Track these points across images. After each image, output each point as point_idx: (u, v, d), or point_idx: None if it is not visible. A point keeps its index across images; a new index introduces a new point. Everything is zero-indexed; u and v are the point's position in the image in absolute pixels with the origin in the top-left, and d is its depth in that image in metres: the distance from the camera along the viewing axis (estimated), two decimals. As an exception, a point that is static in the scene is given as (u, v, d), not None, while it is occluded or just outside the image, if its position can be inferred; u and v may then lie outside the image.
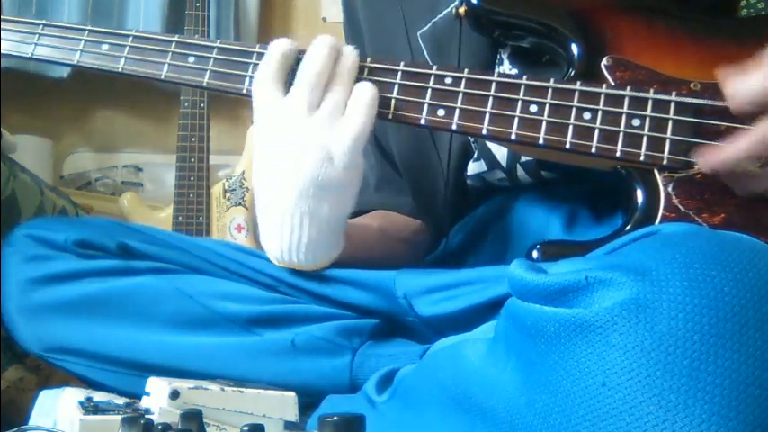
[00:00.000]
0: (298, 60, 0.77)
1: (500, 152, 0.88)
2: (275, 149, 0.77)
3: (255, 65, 0.79)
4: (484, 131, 0.74)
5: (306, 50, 0.77)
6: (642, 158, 0.70)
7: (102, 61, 0.82)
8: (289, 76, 0.77)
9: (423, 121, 0.76)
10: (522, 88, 0.74)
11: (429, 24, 0.92)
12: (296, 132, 0.75)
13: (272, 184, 0.78)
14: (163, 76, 0.81)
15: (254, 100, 0.77)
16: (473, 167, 0.91)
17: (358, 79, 0.77)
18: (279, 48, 0.77)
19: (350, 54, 0.77)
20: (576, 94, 0.72)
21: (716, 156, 0.66)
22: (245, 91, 0.79)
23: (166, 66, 0.81)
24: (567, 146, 0.72)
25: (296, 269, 0.85)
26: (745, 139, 0.64)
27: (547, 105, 0.73)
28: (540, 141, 0.73)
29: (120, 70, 0.82)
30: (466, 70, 0.76)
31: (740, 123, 0.68)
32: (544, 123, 0.72)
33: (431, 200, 0.95)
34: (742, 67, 0.67)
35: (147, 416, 0.60)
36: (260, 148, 0.79)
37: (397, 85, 0.76)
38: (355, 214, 0.90)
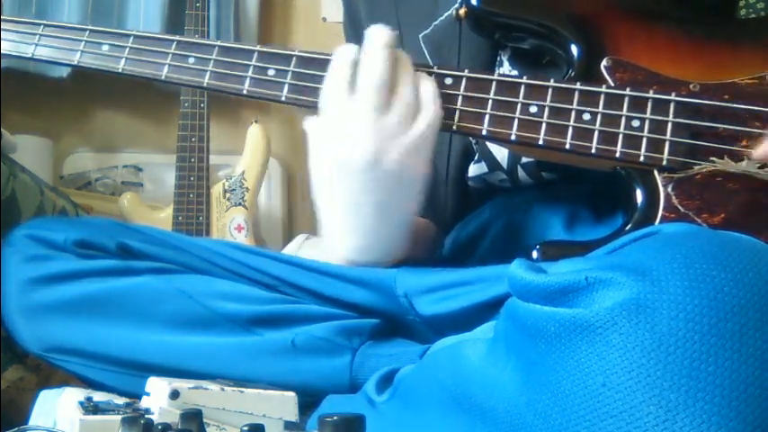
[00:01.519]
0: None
1: (501, 153, 0.88)
2: (349, 153, 0.77)
3: (256, 65, 0.79)
4: (484, 132, 0.74)
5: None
6: (642, 159, 0.70)
7: (103, 61, 0.82)
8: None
9: (423, 122, 0.76)
10: (522, 89, 0.74)
11: (430, 27, 0.92)
12: (372, 135, 0.75)
13: (346, 187, 0.78)
14: (163, 77, 0.81)
15: (322, 107, 0.78)
16: (474, 169, 0.91)
17: None
18: (347, 56, 0.77)
19: (402, 53, 0.77)
20: (576, 94, 0.72)
21: None
22: (245, 91, 0.79)
23: (167, 66, 0.81)
24: (567, 146, 0.72)
25: (298, 266, 0.85)
26: None
27: (546, 106, 0.73)
28: (540, 142, 0.73)
29: (120, 70, 0.82)
30: (466, 70, 0.76)
31: (740, 125, 0.68)
32: (544, 124, 0.73)
33: (432, 201, 0.95)
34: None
35: (147, 416, 0.60)
36: (329, 155, 0.78)
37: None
38: None
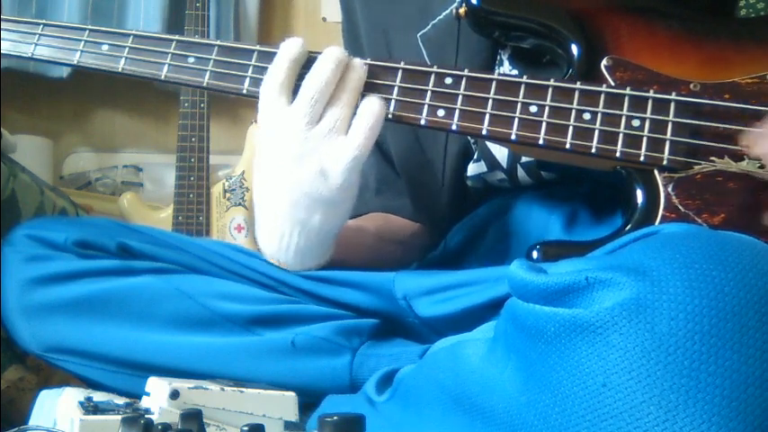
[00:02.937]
0: (310, 61, 0.77)
1: (500, 153, 0.88)
2: (273, 156, 0.77)
3: (256, 65, 0.78)
4: (484, 132, 0.74)
5: (316, 54, 0.77)
6: (642, 159, 0.70)
7: (102, 61, 0.82)
8: (296, 83, 0.77)
9: (423, 122, 0.76)
10: (522, 88, 0.74)
11: (429, 26, 0.92)
12: (294, 144, 0.76)
13: (267, 189, 0.79)
14: (163, 77, 0.81)
15: (259, 102, 0.78)
16: (473, 168, 0.91)
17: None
18: (288, 53, 0.77)
19: (358, 69, 0.76)
20: (576, 94, 0.72)
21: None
22: (245, 91, 0.79)
23: (166, 66, 0.80)
24: (567, 146, 0.72)
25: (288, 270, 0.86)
26: None
27: (547, 106, 0.73)
28: (540, 142, 0.73)
29: (120, 70, 0.82)
30: (466, 70, 0.76)
31: (740, 125, 0.68)
32: (544, 124, 0.72)
33: (430, 200, 0.95)
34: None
35: (147, 416, 0.60)
36: (260, 150, 0.79)
37: (397, 86, 0.76)
38: (353, 216, 0.90)
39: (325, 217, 0.79)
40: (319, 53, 0.77)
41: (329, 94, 0.75)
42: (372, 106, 0.75)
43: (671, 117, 0.70)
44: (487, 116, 0.74)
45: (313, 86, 0.75)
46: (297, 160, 0.76)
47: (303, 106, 0.75)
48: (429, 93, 0.76)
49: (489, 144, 0.88)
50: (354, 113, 0.76)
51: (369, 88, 0.77)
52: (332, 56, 0.76)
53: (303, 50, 0.77)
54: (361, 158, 0.76)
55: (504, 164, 0.88)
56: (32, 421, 0.77)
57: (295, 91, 0.77)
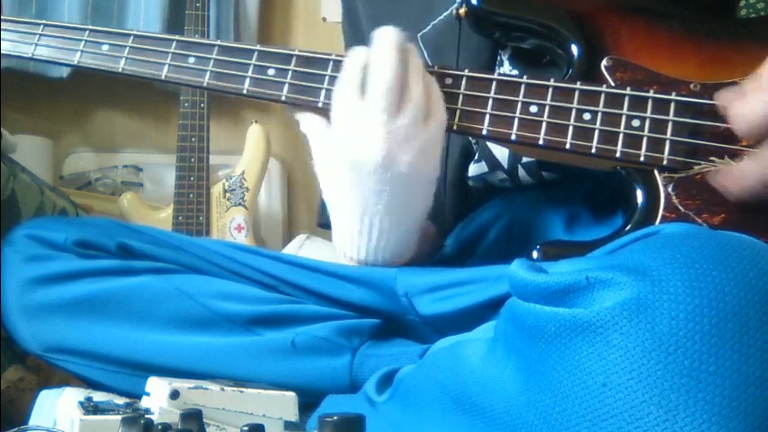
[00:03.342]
0: None
1: (501, 153, 0.88)
2: (360, 153, 0.76)
3: (256, 65, 0.78)
4: (484, 132, 0.74)
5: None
6: (642, 159, 0.70)
7: (102, 61, 0.82)
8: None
9: (423, 122, 0.76)
10: (522, 88, 0.74)
11: (429, 26, 0.92)
12: (383, 137, 0.75)
13: (355, 187, 0.78)
14: (163, 77, 0.81)
15: (334, 109, 0.78)
16: (474, 168, 0.91)
17: None
18: (358, 61, 0.77)
19: (415, 52, 0.77)
20: (576, 94, 0.72)
21: (734, 187, 0.66)
22: (245, 91, 0.79)
23: (167, 66, 0.81)
24: (568, 146, 0.72)
25: (298, 266, 0.85)
26: (756, 164, 0.64)
27: (547, 106, 0.73)
28: (541, 142, 0.73)
29: (120, 70, 0.82)
30: (466, 70, 0.76)
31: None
32: (544, 124, 0.73)
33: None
34: (742, 90, 0.66)
35: (147, 416, 0.60)
36: (340, 156, 0.78)
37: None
38: None
39: (423, 197, 0.80)
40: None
41: (400, 79, 0.75)
42: (435, 81, 0.77)
43: (671, 117, 0.70)
44: (487, 116, 0.74)
45: (384, 77, 0.75)
46: (387, 155, 0.75)
47: (379, 97, 0.75)
48: (429, 93, 0.76)
49: (490, 144, 0.88)
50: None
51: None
52: (390, 42, 0.76)
53: (368, 56, 0.77)
54: (445, 125, 0.76)
55: (506, 164, 0.88)
56: (32, 421, 0.77)
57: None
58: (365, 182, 0.77)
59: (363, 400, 0.75)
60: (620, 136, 0.71)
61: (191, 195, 1.91)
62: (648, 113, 0.71)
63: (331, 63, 0.80)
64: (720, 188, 0.68)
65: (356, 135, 0.76)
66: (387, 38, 0.76)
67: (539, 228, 0.86)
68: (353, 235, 0.81)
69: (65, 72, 2.06)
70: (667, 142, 0.70)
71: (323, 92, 0.80)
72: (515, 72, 0.86)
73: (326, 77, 0.80)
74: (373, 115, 0.75)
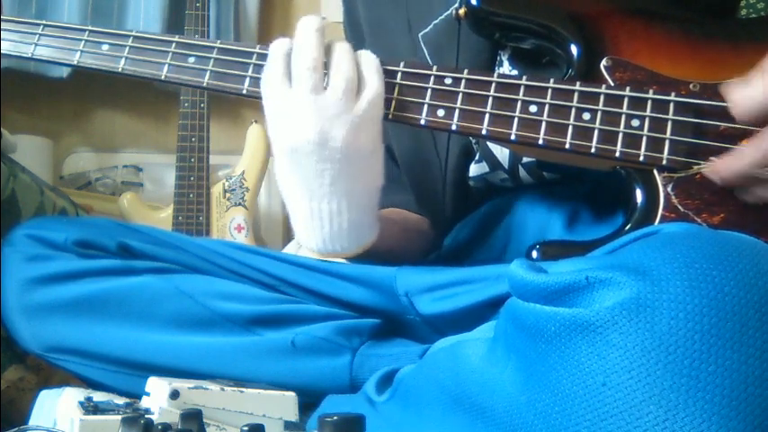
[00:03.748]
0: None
1: (502, 153, 0.88)
2: (295, 142, 0.76)
3: (255, 65, 0.78)
4: (484, 132, 0.74)
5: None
6: (641, 159, 0.70)
7: (102, 61, 0.82)
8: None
9: (422, 122, 0.76)
10: (522, 88, 0.74)
11: (430, 26, 0.92)
12: (312, 118, 0.74)
13: (299, 178, 0.77)
14: (163, 77, 0.81)
15: (264, 98, 0.77)
16: (475, 169, 0.91)
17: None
18: (281, 49, 0.77)
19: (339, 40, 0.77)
20: (576, 94, 0.72)
21: (725, 166, 0.66)
22: (245, 91, 0.79)
23: (166, 66, 0.81)
24: (567, 146, 0.72)
25: (301, 265, 0.85)
26: (753, 147, 0.64)
27: (546, 106, 0.73)
28: (540, 142, 0.73)
29: (120, 70, 0.82)
30: (466, 71, 0.76)
31: (739, 124, 0.68)
32: (544, 124, 0.73)
33: (432, 200, 0.95)
34: (744, 75, 0.67)
35: (147, 416, 0.60)
36: (279, 146, 0.78)
37: (397, 86, 0.76)
38: None
39: (367, 176, 0.78)
40: None
41: (321, 59, 0.75)
42: (368, 55, 0.76)
43: (670, 117, 0.70)
44: (487, 116, 0.74)
45: (304, 55, 0.75)
46: (322, 131, 0.74)
47: (303, 77, 0.74)
48: (429, 92, 0.76)
49: (490, 145, 0.88)
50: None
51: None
52: (307, 23, 0.76)
53: (290, 45, 0.77)
54: (382, 97, 0.76)
55: (506, 164, 0.88)
56: (32, 421, 0.77)
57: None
58: (305, 164, 0.76)
59: (363, 400, 0.75)
60: (620, 136, 0.71)
61: (191, 195, 1.91)
62: (648, 113, 0.71)
63: None
64: (711, 172, 0.67)
65: (287, 119, 0.76)
66: (307, 23, 0.76)
67: (539, 227, 0.86)
68: (307, 224, 0.79)
69: (65, 72, 2.06)
70: (667, 142, 0.70)
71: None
72: (515, 72, 0.86)
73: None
74: (300, 96, 0.74)
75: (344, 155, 0.75)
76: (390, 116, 0.77)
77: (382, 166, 0.79)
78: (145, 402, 0.72)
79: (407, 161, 0.98)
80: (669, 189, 0.70)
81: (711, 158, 0.69)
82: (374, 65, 0.76)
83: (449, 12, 0.90)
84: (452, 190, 0.92)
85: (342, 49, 0.76)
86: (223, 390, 0.70)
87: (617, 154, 0.71)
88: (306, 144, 0.75)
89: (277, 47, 0.77)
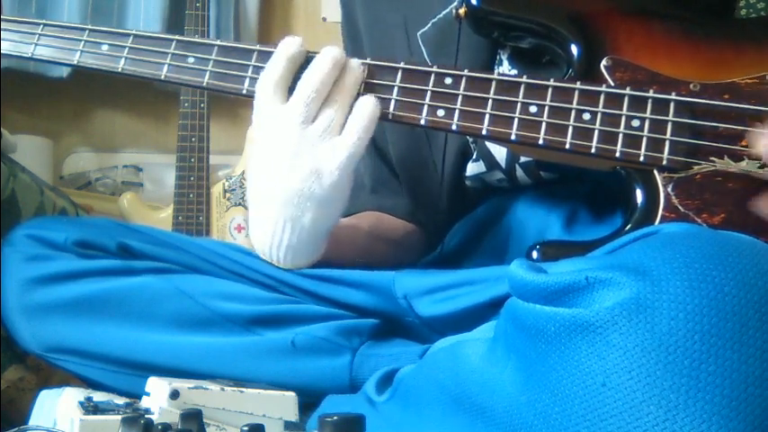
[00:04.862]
0: (308, 60, 0.77)
1: (499, 153, 0.88)
2: (268, 155, 0.78)
3: (255, 65, 0.78)
4: (484, 132, 0.74)
5: (314, 54, 0.77)
6: (642, 159, 0.70)
7: (102, 61, 0.82)
8: (292, 82, 0.77)
9: (422, 122, 0.76)
10: (522, 88, 0.74)
11: (429, 25, 0.92)
12: (289, 143, 0.76)
13: (260, 186, 0.79)
14: (163, 77, 0.81)
15: (255, 100, 0.78)
16: (472, 168, 0.91)
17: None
18: (286, 51, 0.77)
19: (355, 70, 0.77)
20: (576, 94, 0.72)
21: None
22: (245, 91, 0.79)
23: (166, 66, 0.81)
24: (567, 146, 0.72)
25: (297, 269, 0.86)
26: None
27: (546, 106, 0.73)
28: (540, 142, 0.73)
29: (120, 70, 0.82)
30: (466, 70, 0.76)
31: (740, 125, 0.68)
32: (544, 124, 0.73)
33: (429, 200, 0.95)
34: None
35: (147, 416, 0.60)
36: (255, 149, 0.79)
37: (396, 86, 0.76)
38: (347, 214, 0.90)
39: (316, 215, 0.79)
40: (318, 53, 0.77)
41: (325, 93, 0.76)
42: (366, 107, 0.76)
43: (670, 117, 0.70)
44: (487, 116, 0.74)
45: (309, 85, 0.75)
46: (291, 159, 0.76)
47: (298, 105, 0.76)
48: (429, 93, 0.76)
49: (488, 144, 0.88)
50: (350, 114, 0.76)
51: (368, 88, 0.77)
52: (329, 55, 0.76)
53: (301, 49, 0.77)
54: (355, 158, 0.77)
55: (503, 164, 0.88)
56: (32, 421, 0.77)
57: (291, 90, 0.77)
58: (272, 175, 0.78)
59: (363, 400, 0.75)
60: (620, 136, 0.71)
61: (191, 195, 1.91)
62: (648, 113, 0.71)
63: None
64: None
65: (269, 129, 0.77)
66: (331, 51, 0.77)
67: (538, 228, 0.86)
68: (258, 225, 0.81)
69: (65, 72, 2.06)
70: (667, 142, 0.70)
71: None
72: (515, 72, 0.86)
73: None
74: (290, 116, 0.76)
75: (303, 189, 0.77)
76: (390, 116, 0.77)
77: (340, 209, 0.81)
78: (145, 402, 0.72)
79: (404, 161, 0.98)
80: (669, 189, 0.70)
81: (712, 159, 0.69)
82: (362, 121, 0.76)
83: (447, 11, 0.90)
84: (449, 189, 0.92)
85: (343, 92, 0.76)
86: (223, 390, 0.70)
87: (617, 154, 0.71)
88: (276, 163, 0.77)
89: (283, 49, 0.77)
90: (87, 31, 0.83)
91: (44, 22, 0.84)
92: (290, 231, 0.80)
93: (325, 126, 0.76)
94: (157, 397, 0.69)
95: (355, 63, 0.77)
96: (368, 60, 0.78)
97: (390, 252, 0.97)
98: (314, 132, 0.76)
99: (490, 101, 0.74)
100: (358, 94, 0.77)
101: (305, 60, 0.77)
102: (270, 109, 0.77)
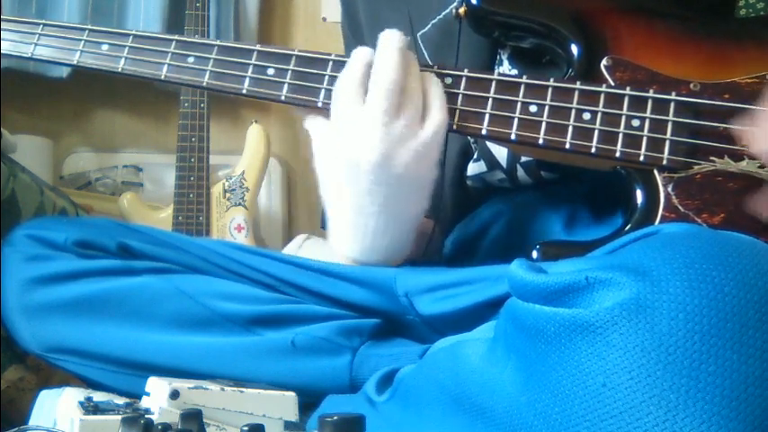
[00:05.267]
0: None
1: (500, 153, 0.88)
2: (358, 155, 0.77)
3: (255, 65, 0.79)
4: (484, 132, 0.74)
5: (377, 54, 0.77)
6: (642, 159, 0.70)
7: (102, 61, 0.82)
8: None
9: (423, 122, 0.76)
10: (522, 88, 0.74)
11: (429, 25, 0.92)
12: (380, 138, 0.76)
13: (353, 188, 0.79)
14: (163, 77, 0.81)
15: (335, 104, 0.78)
16: (473, 168, 0.91)
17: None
18: (362, 58, 0.78)
19: (413, 55, 0.78)
20: (576, 94, 0.72)
21: None
22: (244, 91, 0.79)
23: (166, 66, 0.81)
24: (567, 146, 0.72)
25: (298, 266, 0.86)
26: None
27: (546, 106, 0.73)
28: (540, 142, 0.73)
29: (119, 70, 0.82)
30: (466, 70, 0.76)
31: (740, 124, 0.68)
32: (544, 124, 0.73)
33: (430, 200, 0.95)
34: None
35: (147, 416, 0.60)
36: (336, 153, 0.79)
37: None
38: None
39: (418, 199, 0.80)
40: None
41: (401, 82, 0.76)
42: (437, 85, 0.77)
43: (670, 117, 0.70)
44: (487, 116, 0.74)
45: (385, 79, 0.75)
46: (388, 152, 0.76)
47: (380, 100, 0.75)
48: (429, 92, 0.76)
49: (489, 144, 0.88)
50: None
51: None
52: (394, 44, 0.76)
53: (372, 56, 0.78)
54: (445, 127, 0.77)
55: (504, 164, 0.88)
56: (32, 421, 0.77)
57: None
58: (361, 181, 0.78)
59: (363, 400, 0.75)
60: (620, 136, 0.71)
61: (191, 195, 1.91)
62: (648, 113, 0.71)
63: (331, 63, 0.80)
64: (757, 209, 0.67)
65: (355, 134, 0.77)
66: (391, 40, 0.77)
67: (538, 228, 0.86)
68: (348, 233, 0.81)
69: (65, 72, 2.06)
70: (667, 142, 0.70)
71: (322, 92, 0.80)
72: (515, 71, 0.86)
73: (326, 77, 0.80)
74: (373, 116, 0.75)
75: (401, 180, 0.77)
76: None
77: (431, 192, 0.81)
78: (145, 402, 0.72)
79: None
80: (669, 189, 0.70)
81: (712, 158, 0.69)
82: (440, 94, 0.77)
83: (448, 10, 0.90)
84: (451, 189, 0.92)
85: (415, 75, 0.77)
86: (223, 390, 0.70)
87: (617, 154, 0.71)
88: (367, 163, 0.77)
89: (358, 56, 0.78)
90: (87, 31, 0.83)
91: (44, 22, 0.84)
92: (393, 227, 0.80)
93: (411, 116, 0.76)
94: (157, 397, 0.69)
95: (411, 54, 0.77)
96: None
97: (423, 245, 0.97)
98: (401, 124, 0.75)
99: (490, 100, 0.74)
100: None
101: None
102: (353, 111, 0.77)
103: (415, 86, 0.76)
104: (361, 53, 0.78)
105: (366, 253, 0.82)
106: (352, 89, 0.77)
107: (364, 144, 0.76)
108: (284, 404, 0.71)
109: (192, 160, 1.90)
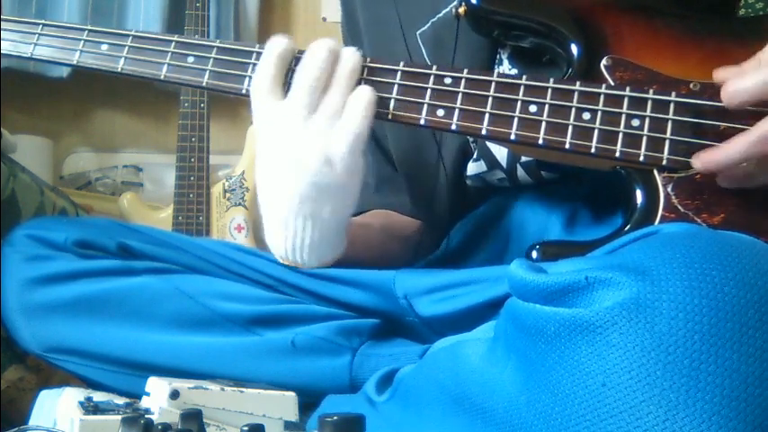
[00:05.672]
0: (297, 60, 0.77)
1: (500, 152, 0.88)
2: (275, 153, 0.76)
3: (255, 65, 0.78)
4: (483, 132, 0.74)
5: (302, 52, 0.76)
6: (642, 159, 0.70)
7: (102, 61, 0.82)
8: (287, 77, 0.76)
9: (422, 122, 0.76)
10: (522, 88, 0.74)
11: (428, 24, 0.92)
12: (295, 136, 0.74)
13: (273, 187, 0.77)
14: (162, 77, 0.81)
15: (252, 101, 0.77)
16: (473, 167, 0.91)
17: (357, 82, 0.76)
18: (275, 49, 0.76)
19: (350, 58, 0.75)
20: (576, 94, 0.72)
21: (712, 156, 0.66)
22: (244, 91, 0.79)
23: (166, 66, 0.80)
24: (567, 146, 0.72)
25: (297, 268, 0.85)
26: (742, 140, 0.64)
27: (546, 105, 0.73)
28: (540, 141, 0.73)
29: (119, 70, 0.82)
30: (465, 70, 0.75)
31: (740, 124, 0.68)
32: (544, 123, 0.72)
33: (429, 200, 0.95)
34: (740, 66, 0.66)
35: (147, 416, 0.60)
36: (260, 150, 0.78)
37: (396, 86, 0.76)
38: (355, 214, 0.90)
39: (335, 205, 0.77)
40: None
41: (324, 81, 0.74)
42: (363, 89, 0.74)
43: (670, 116, 0.70)
44: (487, 116, 0.74)
45: (308, 75, 0.74)
46: (299, 153, 0.74)
47: (300, 95, 0.74)
48: (428, 92, 0.76)
49: (489, 143, 0.88)
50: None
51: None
52: (323, 45, 0.75)
53: (289, 47, 0.76)
54: (362, 138, 0.74)
55: (504, 163, 0.88)
56: (32, 421, 0.77)
57: (286, 88, 0.76)
58: (284, 176, 0.76)
59: (363, 400, 0.75)
60: (620, 135, 0.71)
61: (191, 195, 1.91)
62: (648, 113, 0.71)
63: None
64: (707, 162, 0.67)
65: (273, 129, 0.75)
66: (323, 42, 0.75)
67: (538, 227, 0.86)
68: (276, 231, 0.79)
69: (65, 72, 2.06)
70: (667, 142, 0.70)
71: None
72: (514, 71, 0.86)
73: None
74: (291, 111, 0.74)
75: (317, 180, 0.75)
76: (390, 116, 0.76)
77: (355, 196, 0.79)
78: (145, 402, 0.72)
79: (405, 160, 0.97)
80: (669, 189, 0.70)
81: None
82: (359, 105, 0.74)
83: (447, 10, 0.89)
84: (450, 189, 0.92)
85: (341, 78, 0.75)
86: (223, 390, 0.70)
87: (617, 154, 0.71)
88: (286, 160, 0.75)
89: (271, 48, 0.76)
90: (87, 31, 0.83)
91: (44, 22, 0.84)
92: (311, 228, 0.77)
93: (328, 113, 0.74)
94: (157, 397, 0.69)
95: (350, 51, 0.76)
96: (368, 60, 0.77)
97: (401, 249, 0.96)
98: (317, 121, 0.74)
99: (490, 100, 0.74)
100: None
101: (294, 58, 0.77)
102: (268, 107, 0.76)
103: (338, 86, 0.74)
104: (274, 45, 0.76)
105: (291, 252, 0.79)
106: (264, 84, 0.75)
107: (282, 139, 0.75)
108: (284, 404, 0.71)
109: (192, 160, 1.90)
